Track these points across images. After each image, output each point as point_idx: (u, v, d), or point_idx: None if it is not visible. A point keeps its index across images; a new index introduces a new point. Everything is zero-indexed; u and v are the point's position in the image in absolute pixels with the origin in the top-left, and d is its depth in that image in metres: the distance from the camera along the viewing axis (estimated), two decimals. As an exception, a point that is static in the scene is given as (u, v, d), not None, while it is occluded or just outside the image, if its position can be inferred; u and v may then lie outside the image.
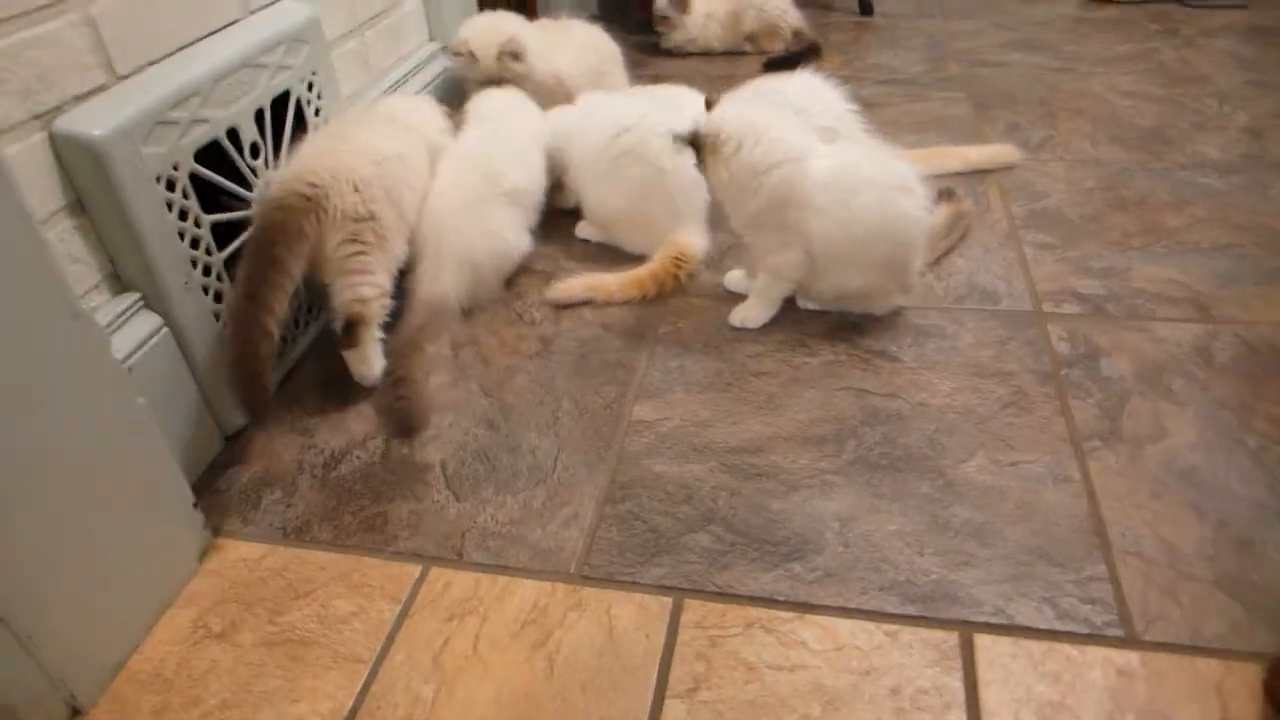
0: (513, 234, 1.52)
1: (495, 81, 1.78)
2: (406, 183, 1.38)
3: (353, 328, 1.28)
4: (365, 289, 1.29)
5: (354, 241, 1.28)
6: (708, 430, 1.21)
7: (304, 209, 1.21)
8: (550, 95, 1.83)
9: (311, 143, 1.33)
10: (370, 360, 1.31)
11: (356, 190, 1.27)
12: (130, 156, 1.03)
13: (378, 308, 1.30)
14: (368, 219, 1.28)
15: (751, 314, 1.40)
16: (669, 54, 2.61)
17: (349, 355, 1.30)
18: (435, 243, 1.39)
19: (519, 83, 1.79)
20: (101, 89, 1.05)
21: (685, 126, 1.34)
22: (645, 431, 1.21)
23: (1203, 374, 1.23)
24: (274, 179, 1.27)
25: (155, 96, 1.07)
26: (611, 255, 1.61)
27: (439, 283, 1.37)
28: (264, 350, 1.16)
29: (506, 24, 1.85)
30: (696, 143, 1.33)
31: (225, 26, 1.25)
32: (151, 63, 1.12)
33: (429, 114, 1.57)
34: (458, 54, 1.79)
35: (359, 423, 1.27)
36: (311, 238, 1.22)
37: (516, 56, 1.79)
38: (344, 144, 1.32)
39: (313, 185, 1.23)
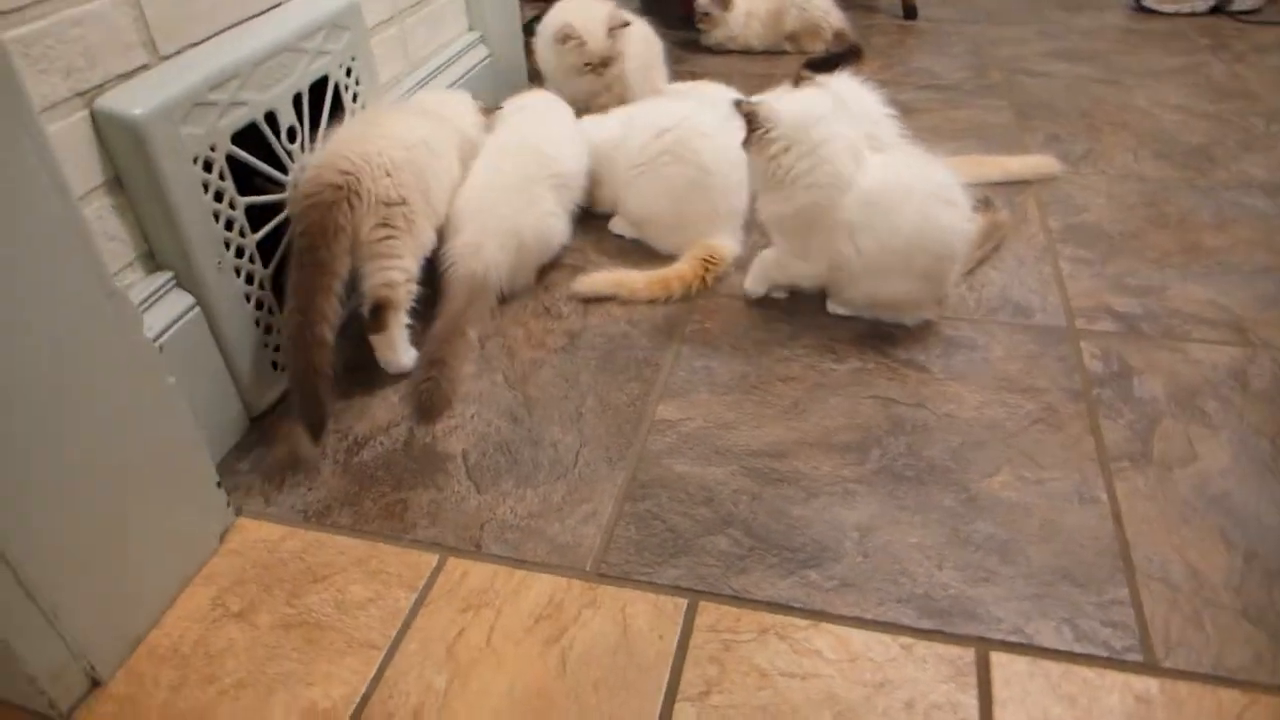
0: (558, 219, 1.53)
1: (604, 63, 1.83)
2: (434, 171, 1.39)
3: (380, 312, 1.28)
4: (394, 273, 1.29)
5: (385, 226, 1.28)
6: (731, 432, 1.20)
7: (337, 200, 1.22)
8: (609, 89, 1.85)
9: (344, 129, 1.34)
10: (397, 347, 1.31)
11: (388, 175, 1.28)
12: (169, 136, 1.04)
13: (405, 293, 1.31)
14: (399, 203, 1.29)
15: (748, 282, 1.46)
16: (709, 50, 2.60)
17: (376, 341, 1.31)
18: (481, 218, 1.41)
19: (614, 64, 1.84)
20: (144, 69, 1.06)
21: (749, 102, 1.34)
22: (668, 431, 1.21)
23: (1238, 399, 1.21)
24: (307, 164, 1.28)
25: (195, 78, 1.08)
26: (642, 252, 1.61)
27: (479, 258, 1.38)
28: (322, 362, 1.17)
29: (598, 6, 1.86)
30: (752, 121, 1.31)
31: (267, 10, 1.26)
32: (193, 44, 1.13)
33: (462, 108, 1.57)
34: (567, 39, 1.80)
35: (384, 409, 1.28)
36: (348, 229, 1.23)
37: (626, 24, 1.83)
38: (375, 129, 1.33)
39: (345, 172, 1.24)
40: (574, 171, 1.58)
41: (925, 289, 1.33)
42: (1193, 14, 2.68)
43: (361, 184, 1.25)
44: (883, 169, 1.31)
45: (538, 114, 1.64)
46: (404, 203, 1.30)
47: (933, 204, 1.28)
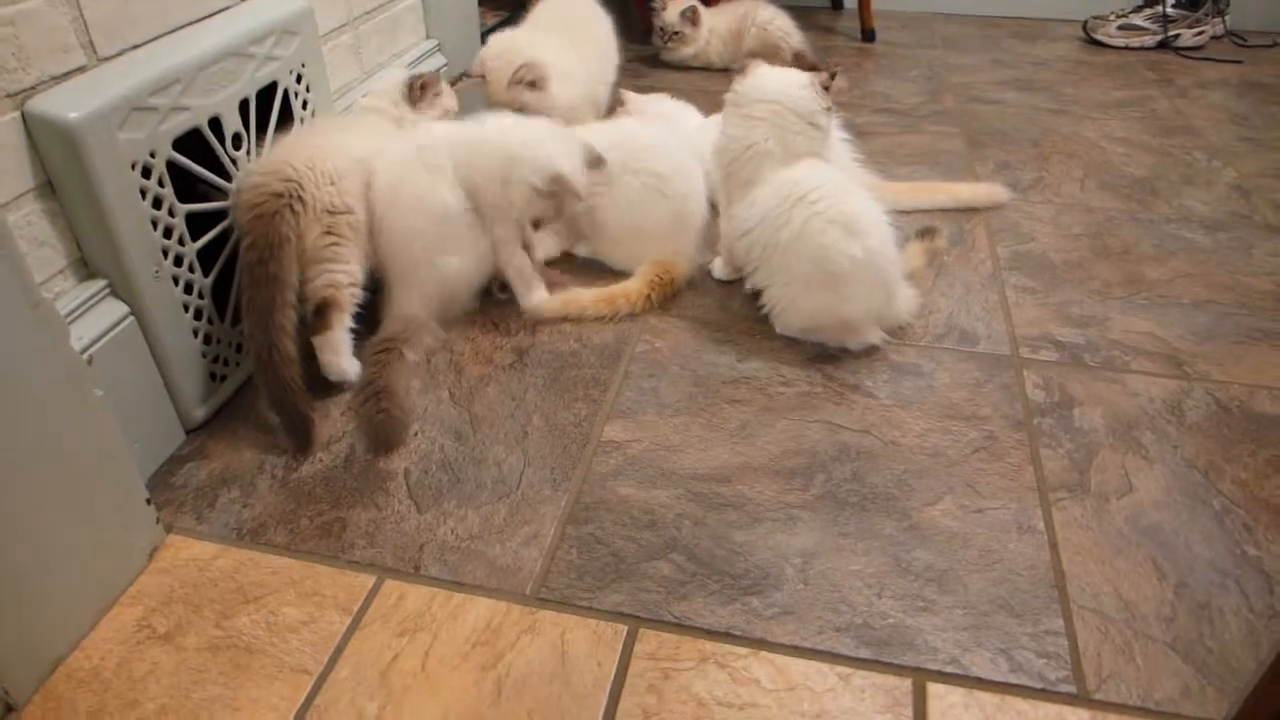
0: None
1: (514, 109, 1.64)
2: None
3: (324, 312, 1.28)
4: (339, 275, 1.29)
5: (330, 234, 1.28)
6: (677, 455, 1.20)
7: (280, 210, 1.21)
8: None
9: (291, 137, 1.32)
10: (340, 349, 1.29)
11: (332, 183, 1.28)
12: (105, 141, 1.00)
13: (349, 295, 1.30)
14: (344, 212, 1.29)
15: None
16: (670, 66, 2.61)
17: (319, 341, 1.29)
18: (406, 269, 1.37)
19: (538, 111, 1.61)
20: (81, 70, 1.03)
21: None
22: (614, 452, 1.20)
23: (1174, 431, 1.23)
24: (249, 170, 1.25)
25: (135, 81, 1.05)
26: (598, 270, 1.60)
27: (410, 304, 1.37)
28: (291, 376, 1.18)
29: (528, 46, 1.73)
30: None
31: (214, 14, 1.23)
32: (135, 47, 1.10)
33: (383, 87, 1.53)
34: (471, 76, 1.75)
35: (325, 424, 1.25)
36: (293, 239, 1.22)
37: (534, 85, 1.68)
38: (321, 138, 1.32)
39: (287, 179, 1.22)
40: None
41: (840, 309, 1.34)
42: (1141, 48, 2.75)
43: (305, 190, 1.24)
44: (802, 171, 1.37)
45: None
46: (349, 211, 1.30)
47: (821, 221, 1.31)
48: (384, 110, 1.48)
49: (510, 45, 1.73)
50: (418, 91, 1.50)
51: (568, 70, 1.76)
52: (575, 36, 1.88)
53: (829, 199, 1.32)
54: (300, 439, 1.19)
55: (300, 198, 1.23)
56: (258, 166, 1.25)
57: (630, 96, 1.81)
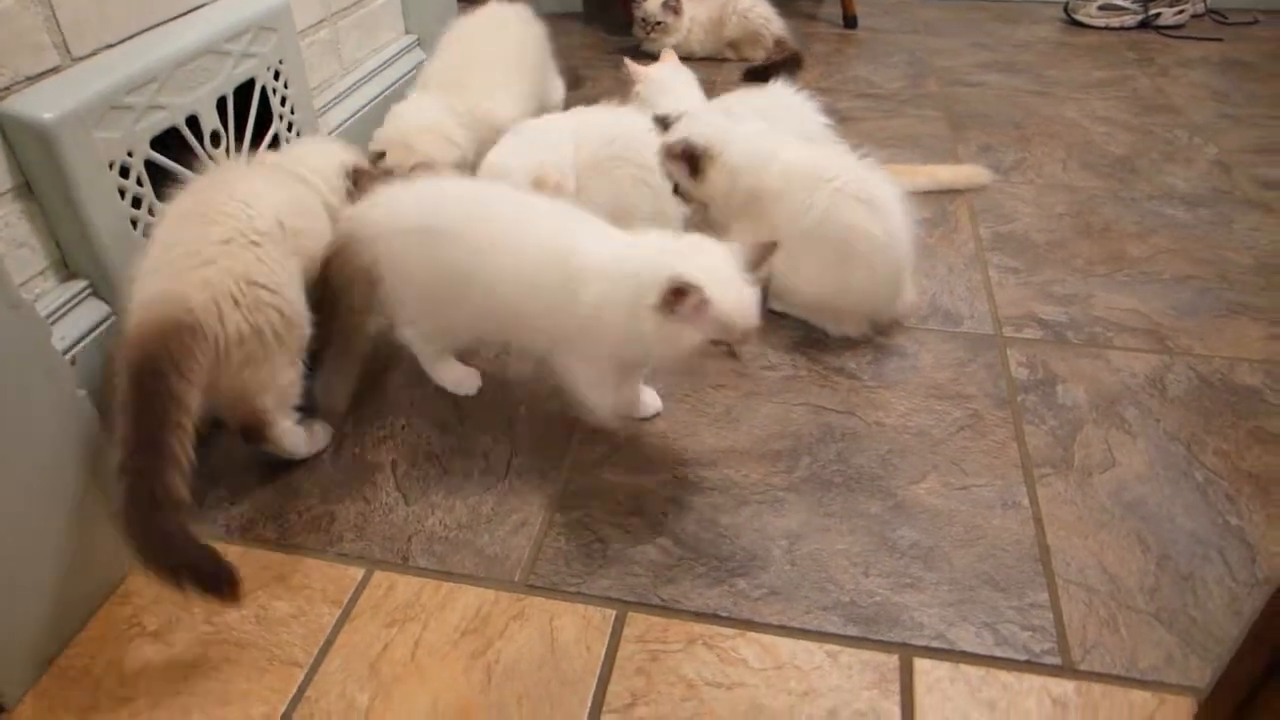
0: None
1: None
2: (309, 234, 1.15)
3: (254, 432, 1.11)
4: (265, 399, 1.09)
5: (248, 361, 1.04)
6: (663, 441, 1.20)
7: (168, 373, 0.93)
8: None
9: (170, 233, 1.04)
10: (286, 444, 1.14)
11: (237, 304, 1.00)
12: (81, 140, 1.01)
13: (283, 410, 1.13)
14: (261, 329, 1.04)
15: None
16: (651, 57, 2.60)
17: (265, 447, 1.14)
18: None
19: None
20: (55, 70, 1.03)
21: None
22: (600, 440, 1.21)
23: (1156, 405, 1.24)
24: (136, 307, 0.97)
25: (110, 80, 1.05)
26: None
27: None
28: (176, 499, 0.90)
29: (419, 134, 1.58)
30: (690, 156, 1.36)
31: (190, 11, 1.23)
32: (109, 46, 1.10)
33: (324, 162, 1.27)
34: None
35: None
36: (205, 364, 0.97)
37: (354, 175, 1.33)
38: (209, 243, 1.02)
39: (189, 310, 0.96)
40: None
41: (851, 295, 1.34)
42: (1122, 28, 2.76)
43: (207, 327, 0.97)
44: (813, 152, 1.38)
45: None
46: (280, 312, 1.06)
47: (848, 200, 1.30)
48: (314, 186, 1.23)
49: (401, 135, 1.58)
50: (354, 181, 1.27)
51: (462, 137, 1.66)
52: (485, 74, 1.73)
53: (855, 180, 1.32)
54: (218, 585, 0.90)
55: (204, 336, 0.96)
56: (144, 297, 0.97)
57: (638, 71, 1.79)
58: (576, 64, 2.48)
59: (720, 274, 0.97)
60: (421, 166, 1.54)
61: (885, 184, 1.34)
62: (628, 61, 1.82)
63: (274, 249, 1.06)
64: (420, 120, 1.60)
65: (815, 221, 1.30)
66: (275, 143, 1.40)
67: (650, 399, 1.25)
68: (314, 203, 1.20)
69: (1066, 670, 0.91)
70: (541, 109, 1.86)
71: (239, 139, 1.30)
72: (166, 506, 0.88)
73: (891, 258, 1.32)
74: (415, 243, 1.13)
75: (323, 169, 1.24)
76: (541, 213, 1.15)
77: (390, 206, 1.17)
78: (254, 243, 1.03)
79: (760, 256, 1.01)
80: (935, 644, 0.94)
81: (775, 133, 1.42)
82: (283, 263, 1.07)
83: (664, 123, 1.42)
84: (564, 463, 1.17)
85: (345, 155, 1.29)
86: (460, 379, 1.30)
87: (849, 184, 1.31)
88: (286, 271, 1.07)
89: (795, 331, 1.40)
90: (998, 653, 0.93)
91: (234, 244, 1.02)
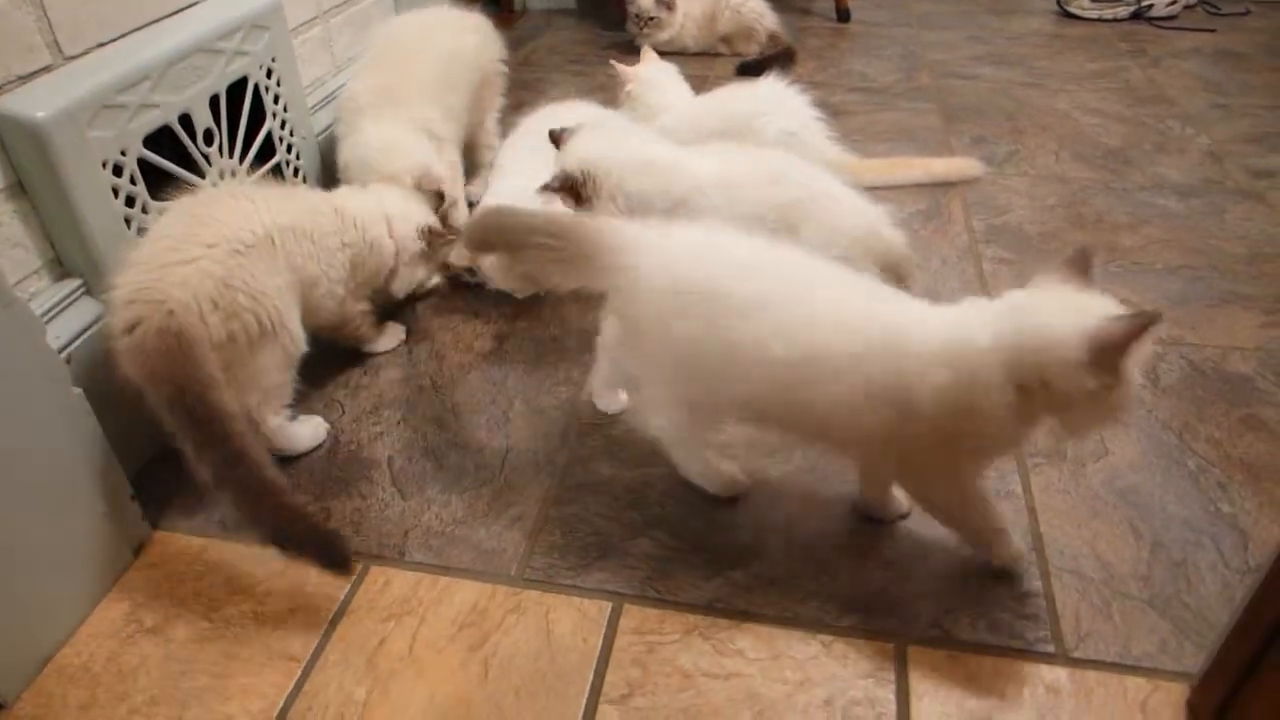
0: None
1: None
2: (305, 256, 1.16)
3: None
4: (249, 399, 1.10)
5: (229, 364, 1.04)
6: (658, 435, 1.21)
7: (185, 342, 0.97)
8: None
9: (162, 229, 1.06)
10: (281, 439, 1.16)
11: (216, 306, 1.02)
12: (74, 139, 1.01)
13: (269, 408, 1.14)
14: (235, 335, 1.05)
15: None
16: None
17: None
18: None
19: None
20: (47, 69, 1.03)
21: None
22: (595, 434, 1.21)
23: (1148, 395, 1.25)
24: (116, 298, 0.99)
25: (103, 79, 1.05)
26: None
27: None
28: (293, 504, 0.97)
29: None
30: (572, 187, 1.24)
31: (181, 10, 1.23)
32: (101, 44, 1.10)
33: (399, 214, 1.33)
34: None
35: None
36: (213, 361, 0.99)
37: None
38: (195, 241, 1.03)
39: (171, 313, 0.97)
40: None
41: None
42: (1114, 20, 2.76)
43: (193, 330, 0.98)
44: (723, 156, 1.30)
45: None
46: (254, 316, 1.06)
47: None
48: (354, 226, 1.26)
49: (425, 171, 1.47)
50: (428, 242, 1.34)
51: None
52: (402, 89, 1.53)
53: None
54: (337, 559, 0.97)
55: (190, 339, 0.97)
56: (128, 292, 0.98)
57: (627, 71, 1.79)
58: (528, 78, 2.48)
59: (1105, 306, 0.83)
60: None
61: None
62: (615, 63, 1.82)
63: (260, 261, 1.07)
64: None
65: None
66: (269, 141, 1.40)
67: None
68: (327, 238, 1.20)
69: (1060, 658, 0.91)
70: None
71: (232, 137, 1.30)
72: (277, 495, 0.95)
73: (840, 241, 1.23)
74: (685, 306, 0.92)
75: (399, 218, 1.31)
76: (845, 278, 0.94)
77: (651, 258, 0.95)
78: (238, 251, 1.05)
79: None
80: (930, 633, 0.94)
81: (656, 137, 1.35)
82: (269, 274, 1.08)
83: (556, 139, 1.31)
84: (559, 457, 1.18)
85: (425, 213, 1.36)
86: (727, 482, 1.10)
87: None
88: (273, 283, 1.09)
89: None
90: (992, 641, 0.93)
91: (218, 249, 1.03)
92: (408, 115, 1.48)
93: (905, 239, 1.30)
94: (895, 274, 1.26)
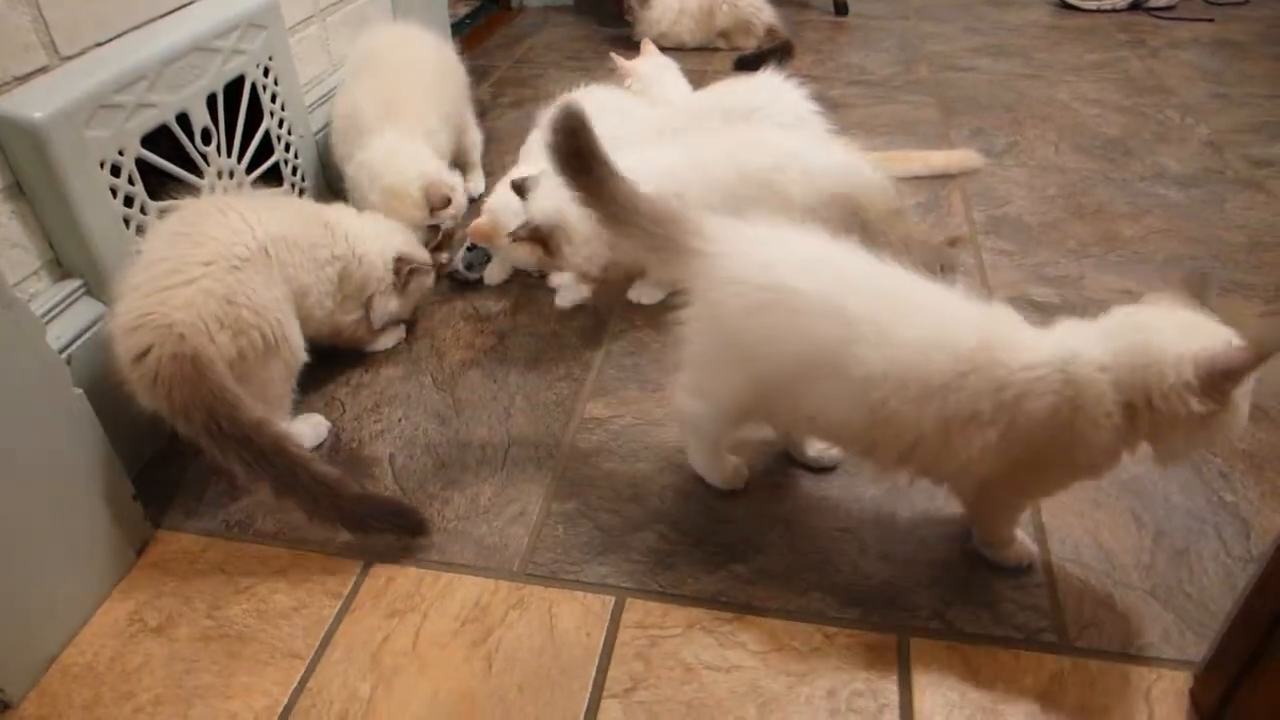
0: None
1: None
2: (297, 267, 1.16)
3: None
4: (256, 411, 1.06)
5: (240, 381, 1.03)
6: (659, 429, 1.21)
7: (200, 365, 0.98)
8: None
9: (156, 250, 1.04)
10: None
11: (222, 325, 1.02)
12: (72, 140, 1.01)
13: (272, 416, 1.08)
14: (245, 352, 1.05)
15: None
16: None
17: None
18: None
19: None
20: (44, 70, 1.03)
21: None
22: (596, 429, 1.21)
23: (1149, 383, 1.24)
24: (118, 326, 0.99)
25: (99, 79, 1.05)
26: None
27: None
28: (357, 490, 1.01)
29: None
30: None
31: (178, 9, 1.23)
32: (98, 44, 1.10)
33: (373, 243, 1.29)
34: None
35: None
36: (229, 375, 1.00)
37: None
38: (192, 261, 1.03)
39: (181, 336, 0.98)
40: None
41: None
42: (1113, 10, 2.76)
43: (204, 351, 0.99)
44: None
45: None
46: (261, 334, 1.07)
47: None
48: (340, 244, 1.25)
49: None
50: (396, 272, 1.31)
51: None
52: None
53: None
54: (414, 525, 1.04)
55: (203, 360, 0.98)
56: (131, 317, 0.99)
57: (626, 66, 1.78)
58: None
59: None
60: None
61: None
62: (614, 56, 1.82)
63: (257, 274, 1.07)
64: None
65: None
66: (267, 140, 1.40)
67: None
68: (315, 245, 1.19)
69: (1063, 647, 0.91)
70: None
71: (230, 137, 1.30)
72: (340, 488, 0.99)
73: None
74: (767, 303, 0.89)
75: (373, 248, 1.28)
76: (944, 294, 0.90)
77: (742, 248, 0.93)
78: (235, 267, 1.05)
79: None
80: (932, 624, 0.94)
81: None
82: (267, 287, 1.08)
83: (520, 189, 1.31)
84: (560, 452, 1.18)
85: (398, 242, 1.32)
86: (730, 476, 1.10)
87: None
88: (271, 295, 1.09)
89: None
90: (995, 632, 0.93)
91: (216, 266, 1.03)
92: (414, 128, 1.50)
93: (888, 185, 1.32)
94: (889, 224, 1.29)
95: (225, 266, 1.04)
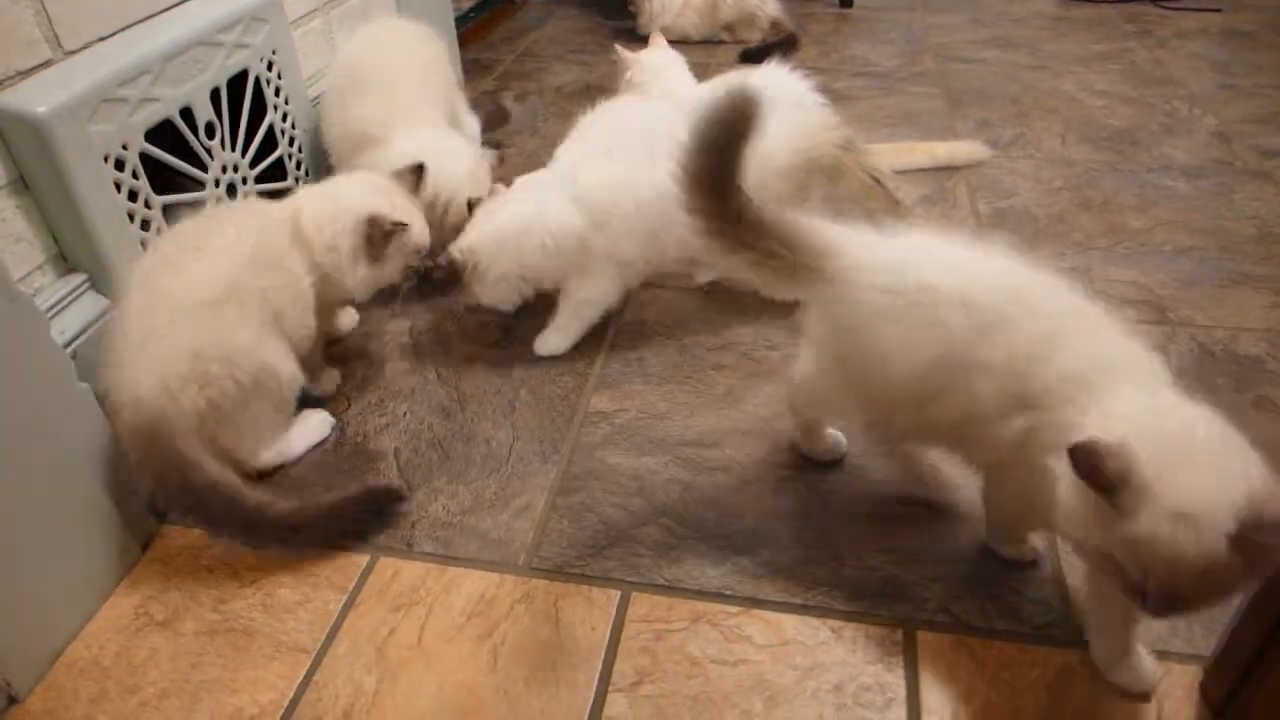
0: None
1: None
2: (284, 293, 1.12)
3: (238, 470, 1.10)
4: (242, 450, 1.11)
5: (216, 424, 1.06)
6: (664, 422, 1.20)
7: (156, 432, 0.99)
8: None
9: (125, 320, 1.03)
10: (279, 459, 1.16)
11: (188, 381, 1.02)
12: (75, 134, 1.00)
13: (265, 449, 1.15)
14: (217, 401, 1.05)
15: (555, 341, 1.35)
16: (645, 41, 2.59)
17: None
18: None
19: None
20: (47, 64, 1.03)
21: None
22: (601, 423, 1.21)
23: (1157, 376, 1.23)
24: (104, 387, 1.00)
25: (103, 73, 1.05)
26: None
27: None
28: (290, 519, 1.02)
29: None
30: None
31: (181, 2, 1.22)
32: (101, 39, 1.10)
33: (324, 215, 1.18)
34: None
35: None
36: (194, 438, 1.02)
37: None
38: (158, 320, 1.02)
39: (140, 401, 0.99)
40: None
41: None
42: (1120, 1, 2.74)
43: (176, 421, 1.00)
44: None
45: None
46: (236, 382, 1.06)
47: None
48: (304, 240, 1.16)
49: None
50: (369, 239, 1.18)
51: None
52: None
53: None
54: (391, 497, 1.08)
55: (173, 430, 1.00)
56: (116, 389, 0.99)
57: (629, 57, 1.77)
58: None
59: None
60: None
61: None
62: (619, 48, 1.81)
63: (226, 315, 1.04)
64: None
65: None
66: (271, 134, 1.40)
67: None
68: (285, 258, 1.12)
69: (1071, 641, 0.91)
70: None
71: (233, 131, 1.30)
72: (299, 518, 1.02)
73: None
74: (901, 307, 0.87)
75: (325, 221, 1.16)
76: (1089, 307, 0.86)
77: (869, 256, 0.91)
78: (201, 316, 1.03)
79: None
80: (939, 618, 0.94)
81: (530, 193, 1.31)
82: (238, 328, 1.05)
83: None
84: (565, 446, 1.18)
85: (363, 205, 1.17)
86: (830, 446, 1.13)
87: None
88: (245, 336, 1.06)
89: (797, 313, 1.39)
90: (1002, 626, 0.93)
91: (179, 318, 1.02)
92: (428, 119, 1.51)
93: (847, 135, 1.33)
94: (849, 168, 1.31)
95: (192, 320, 1.02)
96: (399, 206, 1.21)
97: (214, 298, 1.04)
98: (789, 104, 1.35)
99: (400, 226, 1.18)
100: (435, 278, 1.26)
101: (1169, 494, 0.67)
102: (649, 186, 1.22)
